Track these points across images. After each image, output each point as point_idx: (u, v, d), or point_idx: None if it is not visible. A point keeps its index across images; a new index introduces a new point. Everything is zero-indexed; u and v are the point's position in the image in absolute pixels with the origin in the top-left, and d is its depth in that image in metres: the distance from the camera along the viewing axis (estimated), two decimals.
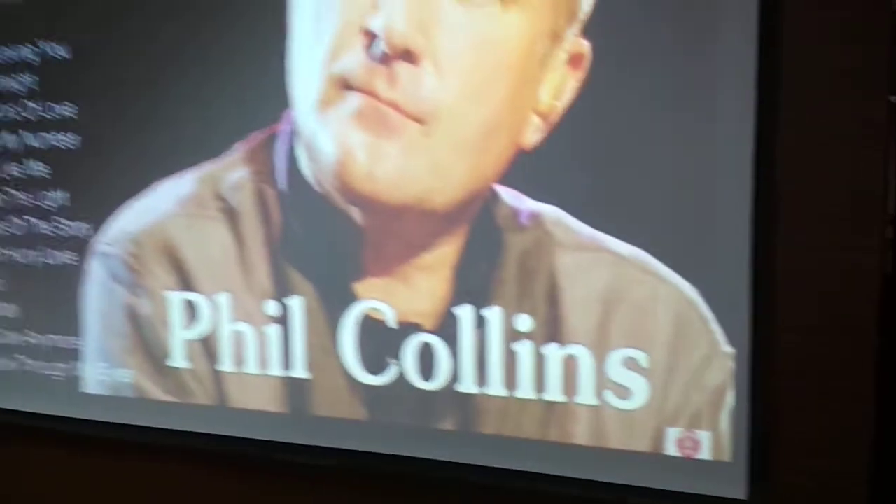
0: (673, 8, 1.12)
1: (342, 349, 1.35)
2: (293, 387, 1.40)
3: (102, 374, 1.53)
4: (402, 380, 1.33)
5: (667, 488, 1.21)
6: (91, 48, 1.47)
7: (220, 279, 1.40)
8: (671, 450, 1.20)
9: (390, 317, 1.32)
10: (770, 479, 1.17)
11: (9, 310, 1.61)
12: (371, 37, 1.21)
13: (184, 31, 1.40)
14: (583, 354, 1.22)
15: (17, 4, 1.52)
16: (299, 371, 1.39)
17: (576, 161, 1.19)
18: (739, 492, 1.18)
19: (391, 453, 1.36)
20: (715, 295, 1.15)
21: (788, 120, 1.12)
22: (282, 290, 1.37)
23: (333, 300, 1.35)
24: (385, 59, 1.21)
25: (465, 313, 1.28)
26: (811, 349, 1.14)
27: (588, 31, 1.16)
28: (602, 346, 1.21)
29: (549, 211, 1.22)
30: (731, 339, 1.15)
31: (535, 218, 1.22)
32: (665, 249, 1.17)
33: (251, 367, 1.42)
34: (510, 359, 1.26)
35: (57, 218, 1.53)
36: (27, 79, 1.52)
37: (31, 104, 1.52)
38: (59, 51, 1.49)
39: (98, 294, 1.51)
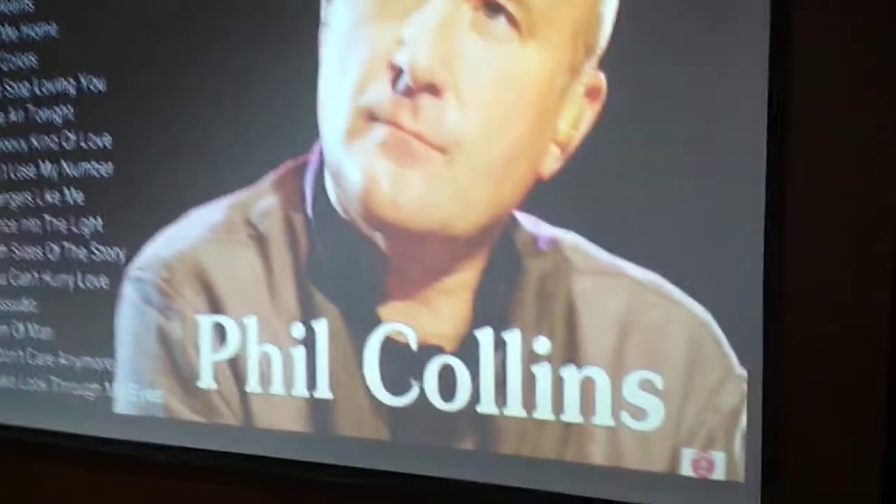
0: (686, 42, 1.17)
1: (365, 371, 1.39)
2: (317, 407, 1.43)
3: (133, 395, 1.58)
4: (423, 400, 1.36)
5: None
6: (126, 81, 1.53)
7: (249, 302, 1.45)
8: (686, 470, 1.22)
9: (412, 339, 1.36)
10: (782, 499, 1.19)
11: (43, 332, 1.66)
12: (397, 71, 1.26)
13: (216, 64, 1.46)
14: (600, 376, 1.25)
15: (56, 39, 1.59)
16: (324, 392, 1.43)
17: (592, 189, 1.23)
18: None
19: (413, 472, 1.39)
20: (728, 318, 1.18)
21: (800, 149, 1.15)
22: (308, 313, 1.42)
23: (357, 323, 1.39)
24: (409, 92, 1.26)
25: (485, 336, 1.32)
26: (824, 370, 1.17)
27: (605, 64, 1.21)
28: (618, 369, 1.24)
29: (567, 237, 1.26)
30: (744, 362, 1.18)
31: (554, 243, 1.27)
32: (679, 274, 1.20)
33: (277, 388, 1.46)
34: (529, 380, 1.30)
35: (91, 244, 1.59)
36: (65, 110, 1.58)
37: (68, 134, 1.59)
38: (96, 83, 1.55)
39: (130, 317, 1.56)
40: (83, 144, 1.57)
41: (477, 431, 1.34)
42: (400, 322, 1.36)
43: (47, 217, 1.62)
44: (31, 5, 1.61)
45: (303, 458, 1.46)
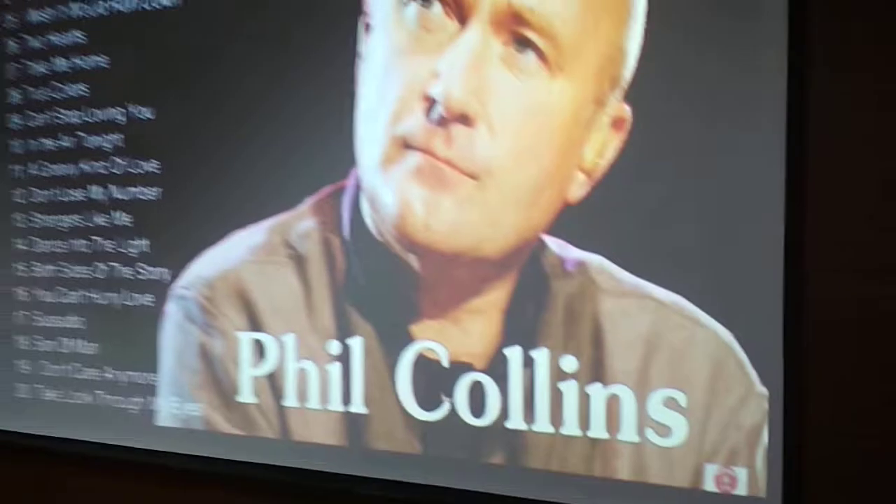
0: (706, 75, 1.22)
1: (398, 386, 1.45)
2: (352, 421, 1.49)
3: (174, 408, 1.65)
4: (454, 416, 1.41)
5: None
6: (173, 110, 1.61)
7: (287, 320, 1.52)
8: (709, 485, 1.26)
9: (444, 357, 1.42)
10: None
11: (89, 348, 1.74)
12: (430, 102, 1.32)
13: (259, 95, 1.53)
14: (625, 394, 1.30)
15: (106, 70, 1.68)
16: (358, 406, 1.48)
17: (618, 213, 1.28)
18: None
19: (443, 485, 1.43)
20: (749, 339, 1.22)
21: (818, 178, 1.20)
22: (343, 331, 1.48)
23: (391, 341, 1.45)
24: (443, 122, 1.32)
25: (513, 354, 1.37)
26: (843, 387, 1.20)
27: (629, 96, 1.27)
28: (643, 387, 1.29)
29: (593, 259, 1.31)
30: (765, 381, 1.22)
31: (580, 266, 1.32)
32: (702, 296, 1.25)
33: (313, 403, 1.52)
34: (556, 397, 1.34)
35: (138, 264, 1.66)
36: (114, 137, 1.67)
37: (117, 160, 1.67)
38: (145, 112, 1.64)
39: (173, 333, 1.63)
40: (131, 170, 1.66)
41: (506, 446, 1.39)
42: (432, 340, 1.42)
43: (95, 238, 1.70)
44: (82, 38, 1.70)
45: (337, 470, 1.51)
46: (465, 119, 1.31)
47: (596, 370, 1.31)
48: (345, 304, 1.48)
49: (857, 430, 1.21)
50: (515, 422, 1.38)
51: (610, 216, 1.29)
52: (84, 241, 1.72)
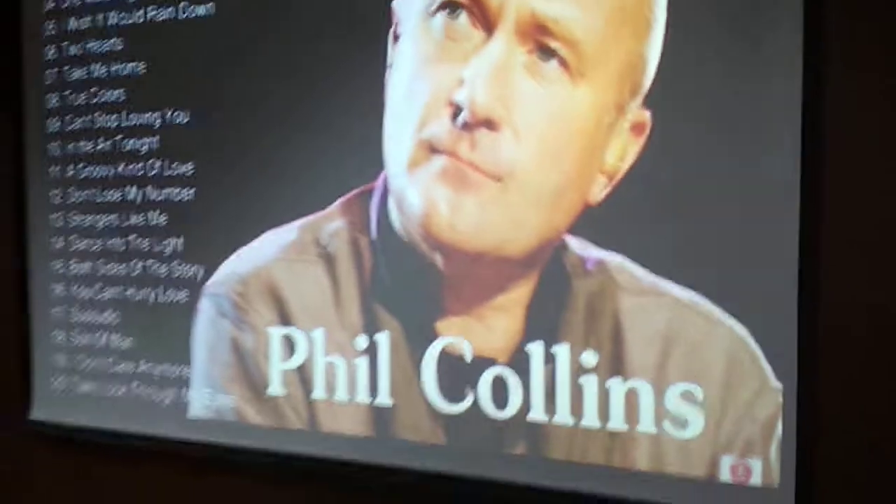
0: (724, 80, 1.27)
1: (423, 380, 1.50)
2: (378, 413, 1.55)
3: (207, 400, 1.71)
4: (477, 408, 1.47)
5: None
6: (208, 115, 1.67)
7: (316, 316, 1.57)
8: (725, 476, 1.31)
9: (467, 351, 1.47)
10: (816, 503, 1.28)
11: (125, 342, 1.80)
12: (456, 107, 1.37)
13: (291, 100, 1.58)
14: (643, 388, 1.35)
15: (143, 76, 1.74)
16: (384, 399, 1.54)
17: (637, 215, 1.33)
18: None
19: (467, 475, 1.49)
20: (764, 335, 1.27)
21: (835, 178, 1.24)
22: (371, 327, 1.54)
23: (416, 336, 1.50)
24: (467, 127, 1.36)
25: (535, 349, 1.42)
26: (856, 381, 1.25)
27: (649, 102, 1.31)
28: (661, 381, 1.33)
29: (613, 258, 1.36)
30: (780, 375, 1.27)
31: (601, 265, 1.37)
32: (718, 293, 1.29)
33: (341, 395, 1.57)
34: (577, 391, 1.39)
35: (172, 262, 1.72)
36: (151, 140, 1.73)
37: (153, 162, 1.73)
38: (180, 116, 1.69)
39: (206, 328, 1.69)
40: (167, 171, 1.72)
41: (527, 438, 1.44)
42: (456, 335, 1.47)
43: (131, 237, 1.77)
44: (120, 45, 1.76)
45: (364, 460, 1.57)
46: (489, 124, 1.36)
47: (615, 365, 1.36)
48: (372, 301, 1.53)
49: (869, 423, 1.25)
50: (537, 414, 1.43)
51: (629, 217, 1.34)
52: (120, 240, 1.78)
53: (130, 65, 1.75)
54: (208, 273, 1.69)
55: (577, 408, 1.40)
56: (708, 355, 1.30)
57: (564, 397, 1.41)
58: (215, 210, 1.68)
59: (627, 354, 1.35)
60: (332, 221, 1.56)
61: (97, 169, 1.80)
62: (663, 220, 1.32)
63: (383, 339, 1.53)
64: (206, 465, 1.75)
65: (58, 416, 1.91)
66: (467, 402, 1.48)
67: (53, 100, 1.86)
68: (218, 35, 1.65)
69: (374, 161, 1.50)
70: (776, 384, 1.27)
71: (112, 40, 1.77)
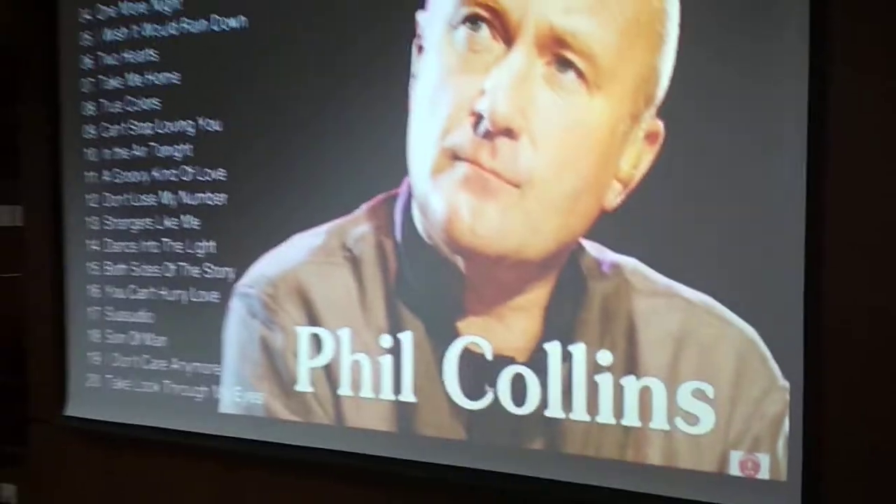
0: (735, 92, 1.33)
1: (445, 377, 1.56)
2: (402, 409, 1.61)
3: (237, 397, 1.78)
4: (496, 405, 1.53)
5: None
6: (240, 123, 1.74)
7: (343, 316, 1.64)
8: (734, 470, 1.36)
9: (487, 350, 1.53)
10: (822, 496, 1.32)
11: (158, 341, 1.88)
12: (477, 117, 1.43)
13: (319, 110, 1.65)
14: (656, 386, 1.40)
15: (178, 86, 1.82)
16: (408, 395, 1.60)
17: (651, 219, 1.39)
18: None
19: (487, 469, 1.54)
20: (772, 336, 1.33)
21: (839, 186, 1.29)
22: (395, 326, 1.60)
23: (439, 335, 1.56)
24: (488, 135, 1.43)
25: (553, 348, 1.48)
26: (860, 380, 1.30)
27: (662, 112, 1.37)
28: (673, 379, 1.39)
29: (628, 262, 1.42)
30: (787, 374, 1.32)
31: (616, 267, 1.43)
32: (729, 295, 1.35)
33: (366, 392, 1.64)
34: (592, 389, 1.45)
35: (205, 264, 1.80)
36: (184, 147, 1.81)
37: (186, 168, 1.81)
38: (213, 124, 1.77)
39: (237, 328, 1.77)
40: (200, 177, 1.79)
41: (545, 433, 1.50)
42: (477, 335, 1.54)
43: (165, 240, 1.85)
44: (155, 56, 1.84)
45: (388, 454, 1.63)
46: (509, 133, 1.42)
47: (629, 364, 1.42)
48: (396, 302, 1.60)
49: (872, 420, 1.30)
50: (554, 411, 1.48)
51: (643, 222, 1.40)
52: (154, 243, 1.86)
53: (165, 75, 1.83)
54: (239, 275, 1.76)
55: (592, 405, 1.45)
56: (719, 355, 1.36)
57: (580, 395, 1.46)
58: (246, 214, 1.75)
59: (641, 354, 1.41)
60: (358, 225, 1.63)
61: (132, 174, 1.88)
62: (676, 225, 1.38)
63: (407, 338, 1.59)
64: (236, 458, 1.81)
65: (92, 413, 1.99)
66: (487, 400, 1.54)
67: (90, 108, 1.95)
68: (249, 47, 1.73)
69: (398, 168, 1.57)
70: (784, 383, 1.32)
71: (146, 51, 1.85)
